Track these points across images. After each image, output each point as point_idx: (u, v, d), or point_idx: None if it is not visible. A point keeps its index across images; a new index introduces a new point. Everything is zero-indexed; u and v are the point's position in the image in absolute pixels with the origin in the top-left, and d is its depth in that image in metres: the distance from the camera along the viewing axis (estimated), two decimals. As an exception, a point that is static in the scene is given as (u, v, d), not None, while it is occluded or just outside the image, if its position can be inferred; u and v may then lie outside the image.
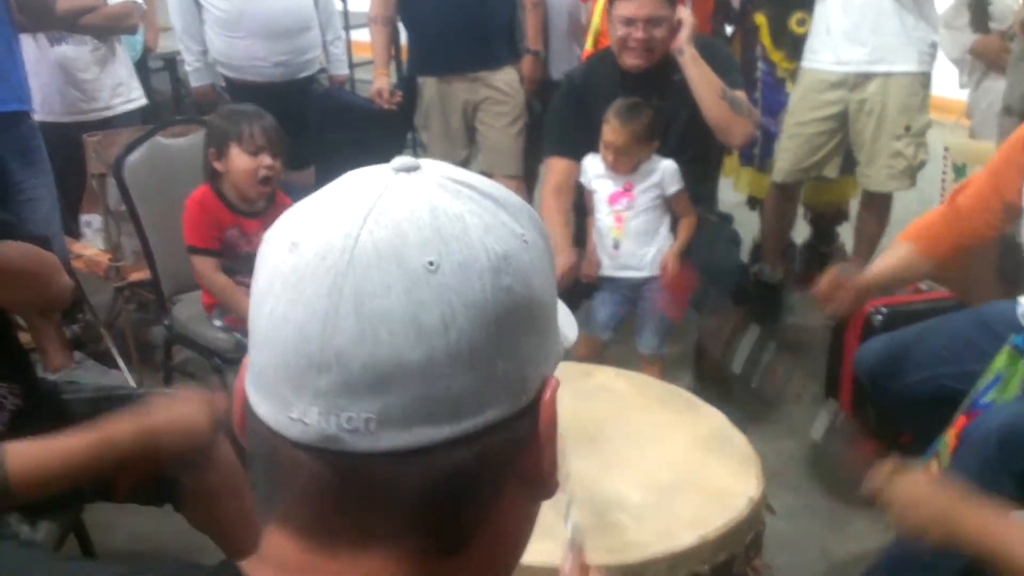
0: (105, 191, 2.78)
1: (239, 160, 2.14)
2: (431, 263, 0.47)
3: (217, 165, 2.17)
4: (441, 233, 0.48)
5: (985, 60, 3.00)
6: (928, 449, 1.71)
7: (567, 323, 0.60)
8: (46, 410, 1.48)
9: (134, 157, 2.33)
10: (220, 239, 2.21)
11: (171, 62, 4.91)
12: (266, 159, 2.14)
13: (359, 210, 0.49)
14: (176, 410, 1.36)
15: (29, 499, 1.27)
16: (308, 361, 0.47)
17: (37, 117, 2.76)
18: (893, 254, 1.95)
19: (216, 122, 2.22)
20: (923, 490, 1.26)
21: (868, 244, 2.90)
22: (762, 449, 1.56)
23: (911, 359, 1.90)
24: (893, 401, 1.97)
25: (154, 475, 1.54)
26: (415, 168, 0.52)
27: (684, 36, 2.38)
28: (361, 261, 0.47)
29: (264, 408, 0.50)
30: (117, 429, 1.30)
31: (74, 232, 3.09)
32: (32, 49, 2.91)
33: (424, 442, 0.47)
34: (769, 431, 2.53)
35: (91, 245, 3.02)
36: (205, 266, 2.20)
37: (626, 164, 2.34)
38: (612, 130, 2.30)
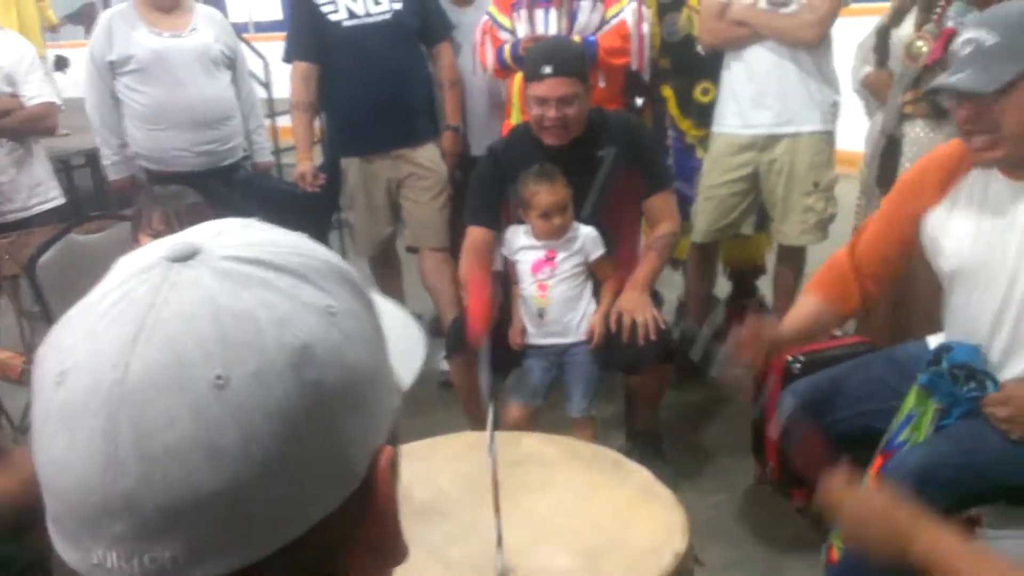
0: (19, 293, 2.73)
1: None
2: (219, 377, 0.41)
3: None
4: (227, 341, 0.42)
5: (873, 93, 3.16)
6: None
7: (411, 352, 0.55)
8: None
9: (48, 256, 2.32)
10: None
11: (93, 158, 4.86)
12: None
13: (128, 328, 0.43)
14: None
15: None
16: (96, 511, 0.42)
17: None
18: (802, 309, 1.97)
19: (135, 212, 2.20)
20: (876, 506, 1.24)
21: (786, 295, 2.99)
22: (694, 503, 1.57)
23: (830, 400, 1.94)
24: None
25: None
26: (192, 255, 0.46)
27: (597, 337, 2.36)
28: (136, 395, 0.41)
29: (67, 554, 0.45)
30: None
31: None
32: (-54, 153, 2.88)
33: (243, 565, 0.43)
34: (701, 485, 2.56)
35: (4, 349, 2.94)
36: None
37: (566, 223, 2.36)
38: (548, 192, 2.32)
